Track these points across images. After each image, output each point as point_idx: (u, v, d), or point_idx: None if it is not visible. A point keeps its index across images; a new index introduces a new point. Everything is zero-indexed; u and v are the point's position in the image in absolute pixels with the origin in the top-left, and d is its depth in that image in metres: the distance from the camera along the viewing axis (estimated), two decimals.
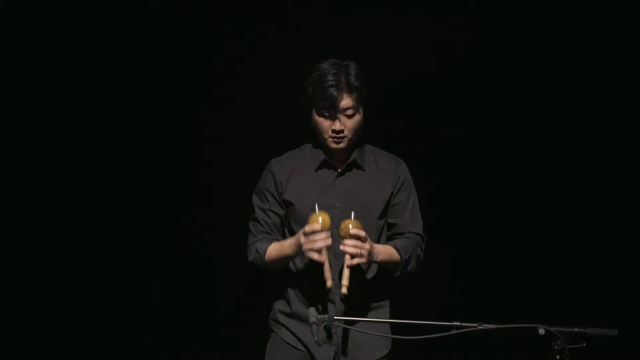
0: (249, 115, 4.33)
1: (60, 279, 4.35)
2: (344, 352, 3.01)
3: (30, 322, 4.34)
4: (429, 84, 4.38)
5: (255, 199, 3.11)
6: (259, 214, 3.08)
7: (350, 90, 2.92)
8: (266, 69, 4.30)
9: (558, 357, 2.44)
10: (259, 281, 3.43)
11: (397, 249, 2.99)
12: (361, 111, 2.98)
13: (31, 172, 4.32)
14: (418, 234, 3.11)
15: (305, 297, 3.04)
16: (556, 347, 2.44)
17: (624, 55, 4.31)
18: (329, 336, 2.98)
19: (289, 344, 3.07)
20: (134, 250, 4.40)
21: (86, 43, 4.31)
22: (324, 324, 2.67)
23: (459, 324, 2.53)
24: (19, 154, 4.32)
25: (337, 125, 2.93)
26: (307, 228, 2.82)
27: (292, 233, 3.03)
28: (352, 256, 2.80)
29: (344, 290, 2.79)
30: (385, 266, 3.00)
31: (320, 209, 2.88)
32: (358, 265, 2.85)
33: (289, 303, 3.07)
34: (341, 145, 2.98)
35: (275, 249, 2.99)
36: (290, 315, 3.07)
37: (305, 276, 3.02)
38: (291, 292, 3.07)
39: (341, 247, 2.81)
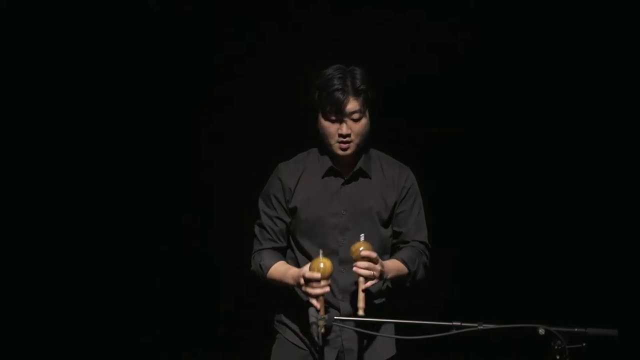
0: (249, 115, 4.33)
1: (61, 279, 4.35)
2: (348, 353, 3.01)
3: (30, 322, 4.34)
4: (429, 84, 4.38)
5: (261, 204, 3.10)
6: (265, 220, 3.07)
7: (357, 93, 2.92)
8: (266, 69, 4.30)
9: (558, 357, 2.44)
10: (262, 282, 3.42)
11: (404, 263, 2.99)
12: (367, 115, 2.99)
13: (31, 172, 4.32)
14: (422, 242, 3.11)
15: (312, 300, 3.00)
16: (556, 347, 2.44)
17: (624, 55, 4.31)
18: (328, 334, 2.97)
19: (293, 344, 3.08)
20: (134, 250, 4.40)
21: (86, 43, 4.31)
22: (324, 324, 2.67)
23: (459, 324, 2.53)
24: (19, 154, 4.32)
25: (344, 129, 2.93)
26: (308, 275, 2.81)
27: (296, 242, 3.04)
28: (366, 279, 2.81)
29: (361, 312, 2.79)
30: (395, 280, 3.01)
31: (324, 251, 2.85)
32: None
33: (297, 306, 3.04)
34: (348, 152, 2.97)
35: (277, 273, 2.99)
36: (297, 318, 3.06)
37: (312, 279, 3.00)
38: (298, 295, 3.04)
39: (354, 270, 2.81)
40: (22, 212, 4.33)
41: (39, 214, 4.35)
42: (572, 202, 4.40)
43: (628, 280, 4.33)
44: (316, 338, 2.68)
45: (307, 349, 3.05)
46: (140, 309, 4.42)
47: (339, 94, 2.89)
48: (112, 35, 4.31)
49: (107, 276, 4.39)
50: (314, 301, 2.80)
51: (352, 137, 2.95)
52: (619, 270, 4.35)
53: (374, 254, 2.82)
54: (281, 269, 2.99)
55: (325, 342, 3.00)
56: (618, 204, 4.38)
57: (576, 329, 2.48)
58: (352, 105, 2.92)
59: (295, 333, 3.08)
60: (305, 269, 2.83)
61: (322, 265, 2.80)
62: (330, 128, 2.95)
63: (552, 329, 2.45)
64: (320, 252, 2.83)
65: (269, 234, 3.05)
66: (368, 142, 3.06)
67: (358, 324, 2.87)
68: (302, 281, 2.82)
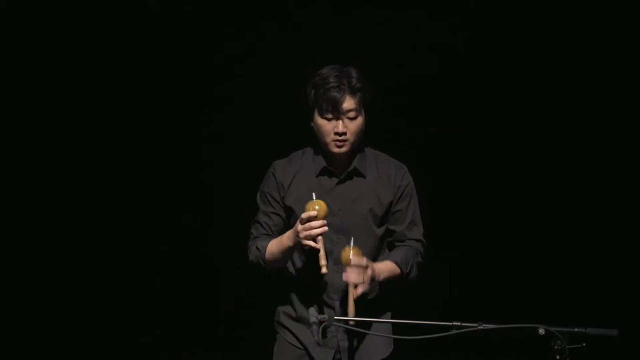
0: (249, 115, 4.33)
1: (61, 279, 4.35)
2: (344, 353, 3.01)
3: (30, 322, 4.34)
4: (429, 84, 4.37)
5: (259, 201, 3.13)
6: (260, 216, 3.10)
7: (353, 91, 2.94)
8: (266, 69, 4.30)
9: (558, 357, 2.44)
10: (262, 282, 3.43)
11: (397, 264, 3.00)
12: (363, 114, 3.00)
13: (31, 172, 4.32)
14: (418, 240, 3.12)
15: (308, 301, 3.05)
16: (556, 347, 2.45)
17: (624, 55, 4.31)
18: (324, 336, 2.97)
19: (291, 344, 3.10)
20: (134, 250, 4.40)
21: (86, 43, 4.31)
22: (324, 324, 2.68)
23: (459, 324, 2.53)
24: (19, 154, 4.32)
25: (340, 127, 2.94)
26: (304, 215, 2.84)
27: None
28: (355, 285, 2.82)
29: (351, 320, 2.79)
30: (388, 282, 3.02)
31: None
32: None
33: (293, 306, 3.09)
34: (343, 149, 2.98)
35: (275, 244, 3.01)
36: (294, 318, 3.09)
37: (306, 282, 3.04)
38: (294, 296, 3.09)
39: (344, 278, 2.84)
40: (23, 212, 4.33)
41: (39, 214, 4.35)
42: (572, 202, 4.40)
43: (628, 280, 4.33)
44: (316, 338, 2.68)
45: (304, 349, 3.06)
46: (140, 309, 4.42)
47: (335, 92, 2.92)
48: (112, 35, 4.31)
49: (107, 276, 4.39)
50: (311, 243, 2.82)
51: (348, 135, 2.96)
52: (619, 270, 4.35)
53: (363, 261, 2.84)
54: (277, 240, 3.01)
55: (322, 342, 3.00)
56: (618, 204, 4.38)
57: (576, 329, 2.48)
58: (348, 103, 2.94)
59: (292, 333, 3.09)
60: (300, 217, 2.85)
61: (317, 206, 2.85)
62: (326, 126, 2.97)
63: (552, 329, 2.45)
64: (314, 194, 2.89)
65: (264, 228, 3.09)
66: (363, 141, 3.07)
67: (358, 324, 2.87)
68: (299, 227, 2.84)
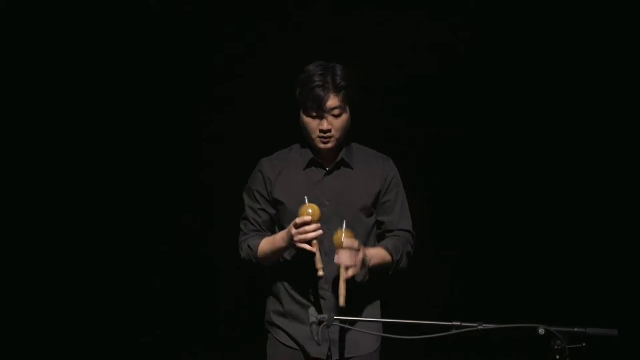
0: (249, 115, 4.33)
1: (61, 279, 4.35)
2: (334, 345, 3.04)
3: (31, 322, 4.34)
4: (429, 84, 4.38)
5: (245, 198, 3.17)
6: (249, 213, 3.14)
7: (337, 90, 2.96)
8: (266, 69, 4.30)
9: (558, 357, 2.44)
10: (255, 282, 3.45)
11: (388, 251, 3.03)
12: (348, 111, 3.02)
13: (31, 172, 4.33)
14: (408, 230, 3.15)
15: (297, 295, 3.08)
16: (556, 347, 2.44)
17: (624, 55, 4.31)
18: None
19: (283, 344, 3.12)
20: (134, 250, 4.40)
21: (86, 43, 4.31)
22: (324, 324, 2.68)
23: (459, 324, 2.54)
24: (19, 155, 4.32)
25: (325, 125, 2.98)
26: (298, 220, 2.87)
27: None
28: (347, 268, 2.84)
29: (342, 302, 2.81)
30: (379, 268, 3.04)
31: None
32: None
33: (281, 303, 3.11)
34: (329, 145, 3.02)
35: (267, 243, 3.04)
36: (283, 315, 3.11)
37: (296, 275, 3.07)
38: (283, 292, 3.11)
39: (336, 260, 2.85)
40: (23, 212, 4.34)
41: (40, 214, 4.35)
42: (572, 202, 4.40)
43: (628, 280, 4.33)
44: (316, 337, 2.68)
45: (296, 347, 3.09)
46: (140, 309, 4.42)
47: (319, 91, 2.94)
48: (112, 35, 4.31)
49: (107, 276, 4.39)
50: (307, 246, 2.85)
51: (333, 132, 2.99)
52: (619, 270, 4.35)
53: (356, 243, 2.87)
54: (269, 239, 3.05)
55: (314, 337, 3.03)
56: (618, 204, 4.38)
57: (576, 329, 2.48)
58: (333, 101, 2.96)
59: (284, 331, 3.11)
60: (294, 222, 2.87)
61: (310, 210, 2.86)
62: (312, 124, 3.00)
63: (552, 329, 2.45)
64: (306, 198, 2.91)
65: (253, 225, 3.12)
66: (349, 136, 3.09)
67: (357, 324, 2.91)
68: (293, 231, 2.87)
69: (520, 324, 2.49)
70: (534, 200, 4.43)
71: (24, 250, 4.33)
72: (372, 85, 4.38)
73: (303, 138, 3.09)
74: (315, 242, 2.86)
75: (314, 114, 2.98)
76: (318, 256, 2.85)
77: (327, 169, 3.08)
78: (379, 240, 3.15)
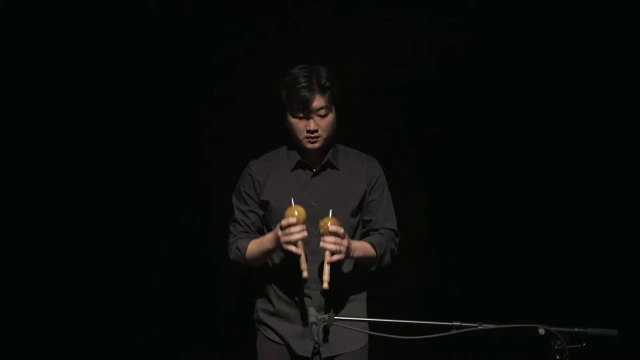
0: (249, 115, 4.33)
1: (61, 279, 4.35)
2: (323, 345, 3.07)
3: (31, 322, 4.34)
4: (429, 84, 4.38)
5: (234, 201, 3.23)
6: (238, 215, 3.20)
7: (322, 90, 3.03)
8: (266, 69, 4.30)
9: (558, 357, 2.44)
10: (245, 282, 3.48)
11: (372, 245, 3.10)
12: (334, 111, 3.09)
13: (31, 172, 4.32)
14: (392, 229, 3.21)
15: (285, 294, 3.14)
16: (556, 347, 2.45)
17: (624, 55, 4.31)
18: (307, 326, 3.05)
19: (270, 339, 3.18)
20: (134, 250, 4.40)
21: (86, 43, 4.30)
22: (324, 324, 2.68)
23: (459, 324, 2.54)
24: (19, 155, 4.31)
25: (312, 125, 3.04)
26: (284, 222, 2.94)
27: (271, 232, 3.11)
28: (332, 253, 2.90)
29: (325, 285, 2.89)
30: (362, 262, 3.11)
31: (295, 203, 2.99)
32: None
33: (271, 302, 3.17)
34: (316, 145, 3.08)
35: (255, 245, 3.10)
36: (272, 314, 3.18)
37: (284, 275, 3.12)
38: (272, 291, 3.17)
39: (321, 245, 2.92)
40: (23, 212, 4.33)
41: (40, 214, 4.34)
42: (571, 202, 4.40)
43: (628, 280, 4.33)
44: (316, 337, 2.69)
45: (283, 343, 3.15)
46: (140, 309, 4.42)
47: (305, 92, 3.01)
48: (112, 35, 4.31)
49: (107, 276, 4.39)
50: (292, 248, 2.91)
51: (320, 132, 3.06)
52: (619, 270, 4.35)
53: (341, 230, 2.93)
54: (257, 241, 3.11)
55: (302, 334, 3.11)
56: (618, 204, 4.38)
57: (576, 329, 2.48)
58: (318, 102, 3.03)
59: (271, 329, 3.17)
60: (280, 223, 2.94)
61: (296, 212, 2.93)
62: (299, 125, 3.07)
63: (552, 329, 2.46)
64: (292, 200, 2.98)
65: (242, 226, 3.18)
66: (334, 137, 3.15)
67: (356, 324, 2.94)
68: (279, 233, 2.93)
69: (520, 324, 2.49)
70: (534, 200, 4.43)
71: (24, 250, 4.33)
72: (372, 85, 4.39)
73: (290, 140, 3.16)
74: (300, 243, 2.92)
75: (301, 115, 3.05)
76: (303, 257, 2.92)
77: (314, 170, 3.15)
78: (363, 238, 3.20)
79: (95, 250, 4.38)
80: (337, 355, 3.14)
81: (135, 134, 4.38)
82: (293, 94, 3.02)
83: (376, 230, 3.18)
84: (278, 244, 2.97)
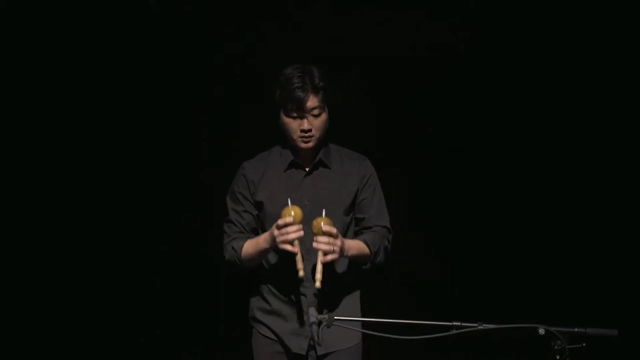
0: (249, 115, 4.33)
1: (61, 279, 4.35)
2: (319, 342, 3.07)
3: (31, 322, 4.33)
4: (428, 84, 4.37)
5: (228, 201, 3.24)
6: (232, 215, 3.21)
7: (316, 90, 3.05)
8: (266, 69, 4.30)
9: (558, 357, 2.44)
10: (239, 281, 3.48)
11: (366, 243, 3.11)
12: (326, 110, 3.11)
13: (31, 172, 4.32)
14: (385, 226, 3.23)
15: (280, 293, 3.17)
16: (556, 347, 2.44)
17: (624, 55, 4.31)
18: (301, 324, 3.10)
19: (265, 336, 3.21)
20: (134, 250, 4.40)
21: (86, 43, 4.30)
22: (324, 324, 2.68)
23: (459, 324, 2.54)
24: (19, 155, 4.31)
25: (305, 125, 3.07)
26: (280, 221, 2.95)
27: (265, 232, 3.12)
28: (325, 253, 2.92)
29: (317, 284, 2.91)
30: (356, 260, 3.13)
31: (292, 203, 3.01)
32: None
33: (267, 300, 3.20)
34: (310, 144, 3.11)
35: (251, 244, 3.12)
36: (268, 312, 3.20)
37: (279, 273, 3.15)
38: (267, 290, 3.20)
39: (314, 245, 2.94)
40: (23, 212, 4.33)
41: (40, 213, 4.34)
42: (571, 202, 4.40)
43: (628, 280, 4.33)
44: (316, 337, 2.69)
45: (278, 340, 3.18)
46: (140, 309, 4.42)
47: (299, 92, 3.04)
48: (112, 35, 4.31)
49: (107, 276, 4.39)
50: (288, 247, 2.93)
51: (314, 131, 3.09)
52: (619, 270, 4.35)
53: (334, 230, 2.95)
54: (253, 241, 3.13)
55: (297, 332, 3.14)
56: (618, 204, 4.38)
57: (576, 329, 2.48)
58: (312, 102, 3.06)
59: (267, 326, 3.21)
60: (276, 223, 2.96)
61: (292, 212, 2.95)
62: (292, 124, 3.10)
63: (552, 329, 2.45)
64: (289, 200, 3.00)
65: (237, 227, 3.19)
66: (327, 136, 3.18)
67: (357, 324, 2.94)
68: (275, 232, 2.95)
69: (520, 324, 2.49)
70: (534, 201, 4.43)
71: (24, 250, 4.33)
72: (372, 86, 4.39)
73: (282, 139, 3.19)
74: (296, 242, 2.94)
75: (295, 115, 3.07)
76: (299, 256, 2.94)
77: (307, 169, 3.18)
78: (356, 236, 3.22)
79: (95, 250, 4.38)
80: (331, 353, 3.16)
81: (135, 134, 4.38)
82: (287, 94, 3.05)
83: (369, 228, 3.20)
84: (274, 244, 2.99)
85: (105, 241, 4.39)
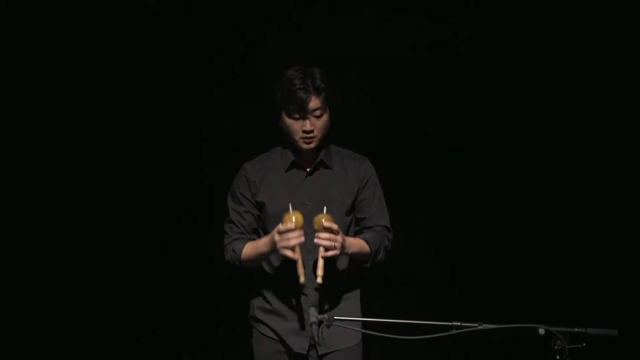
0: (249, 115, 4.33)
1: (61, 279, 4.35)
2: (319, 342, 3.08)
3: (31, 322, 4.33)
4: (429, 84, 4.38)
5: (229, 202, 3.24)
6: (233, 216, 3.21)
7: (317, 92, 3.06)
8: (266, 69, 4.30)
9: (558, 357, 2.44)
10: (239, 281, 3.48)
11: (366, 242, 3.12)
12: (328, 111, 3.12)
13: (31, 172, 4.32)
14: (385, 226, 3.24)
15: (281, 292, 3.17)
16: (556, 347, 2.45)
17: (624, 55, 4.31)
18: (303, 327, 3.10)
19: (267, 336, 3.21)
20: (134, 250, 4.40)
21: (86, 43, 4.30)
22: (325, 323, 2.68)
23: (459, 324, 2.54)
24: (19, 155, 4.31)
25: (308, 126, 3.08)
26: (282, 227, 2.95)
27: (266, 232, 3.14)
28: (326, 248, 2.93)
29: (319, 280, 2.92)
30: (357, 258, 3.14)
31: (293, 208, 3.01)
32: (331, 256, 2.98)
33: (268, 300, 3.20)
34: (311, 145, 3.11)
35: (251, 247, 3.12)
36: (269, 311, 3.20)
37: (280, 273, 3.15)
38: (268, 290, 3.20)
39: (315, 240, 2.94)
40: (23, 211, 4.33)
41: (40, 213, 4.34)
42: (571, 202, 4.40)
43: (628, 280, 4.33)
44: (316, 337, 2.69)
45: (279, 339, 3.17)
46: (140, 309, 4.42)
47: (301, 93, 3.05)
48: (112, 35, 4.31)
49: (107, 276, 4.39)
50: (289, 253, 2.92)
51: (315, 132, 3.10)
52: (619, 270, 4.35)
53: (335, 225, 2.96)
54: (253, 244, 3.13)
55: (297, 331, 3.14)
56: (618, 204, 4.38)
57: (576, 329, 2.48)
58: (314, 103, 3.06)
59: (267, 326, 3.20)
60: (277, 228, 2.96)
61: (294, 218, 2.95)
62: (295, 125, 3.10)
63: (552, 329, 2.45)
64: (290, 205, 2.99)
65: (238, 227, 3.19)
66: (328, 137, 3.18)
67: (357, 324, 2.94)
68: (277, 237, 2.95)
69: (520, 324, 2.49)
70: (534, 201, 4.43)
71: (24, 250, 4.33)
72: (372, 86, 4.39)
73: (283, 140, 3.19)
74: (297, 248, 2.94)
75: (297, 116, 3.08)
76: (300, 262, 2.94)
77: (308, 170, 3.18)
78: (356, 235, 3.22)
79: (95, 250, 4.38)
80: (332, 352, 3.16)
81: (136, 134, 4.38)
82: (289, 95, 3.05)
83: (369, 227, 3.21)
84: (274, 248, 2.99)
85: (106, 241, 4.39)
